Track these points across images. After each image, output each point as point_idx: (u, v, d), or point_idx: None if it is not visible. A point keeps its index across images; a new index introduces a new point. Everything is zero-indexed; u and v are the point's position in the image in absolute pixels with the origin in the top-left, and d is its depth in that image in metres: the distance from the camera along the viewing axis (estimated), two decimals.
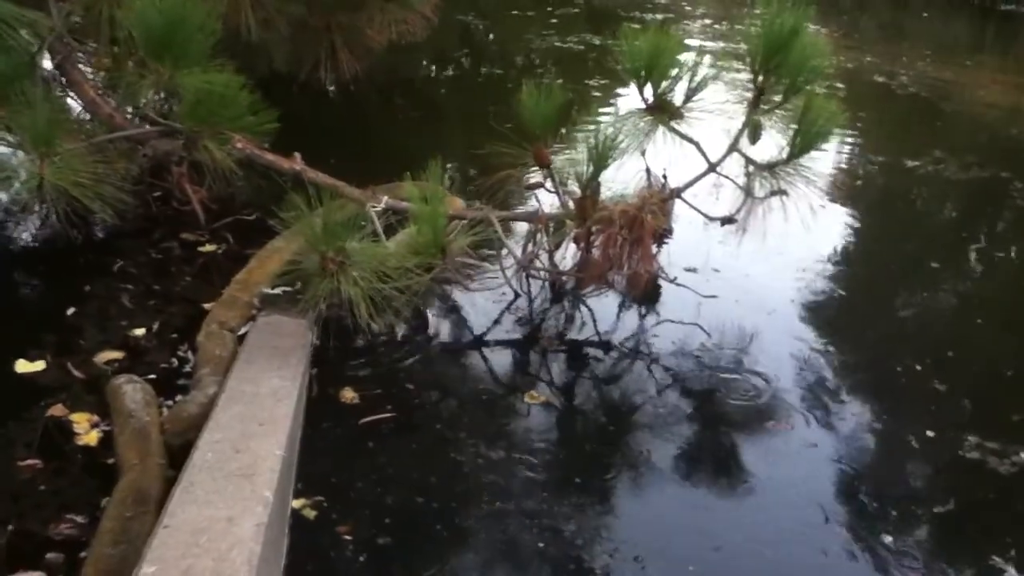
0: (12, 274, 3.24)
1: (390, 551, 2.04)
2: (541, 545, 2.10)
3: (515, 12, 8.53)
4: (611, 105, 5.58)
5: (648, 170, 3.25)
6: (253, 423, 2.00)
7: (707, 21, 8.55)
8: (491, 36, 7.40)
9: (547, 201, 3.25)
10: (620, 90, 6.11)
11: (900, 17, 9.74)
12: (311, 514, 2.09)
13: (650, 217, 2.59)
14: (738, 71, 3.15)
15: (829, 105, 2.88)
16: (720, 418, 2.64)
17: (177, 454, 2.24)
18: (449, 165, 2.76)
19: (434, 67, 6.43)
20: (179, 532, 1.57)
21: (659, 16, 8.76)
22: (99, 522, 1.99)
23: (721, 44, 7.54)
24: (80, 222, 3.13)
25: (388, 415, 2.51)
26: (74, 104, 3.45)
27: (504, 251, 3.21)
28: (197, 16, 2.83)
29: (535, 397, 2.61)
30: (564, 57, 6.84)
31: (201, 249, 3.40)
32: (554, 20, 8.07)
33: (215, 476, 1.75)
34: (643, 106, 3.06)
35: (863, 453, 2.55)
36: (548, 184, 3.19)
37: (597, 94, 6.01)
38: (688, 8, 9.28)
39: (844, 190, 4.11)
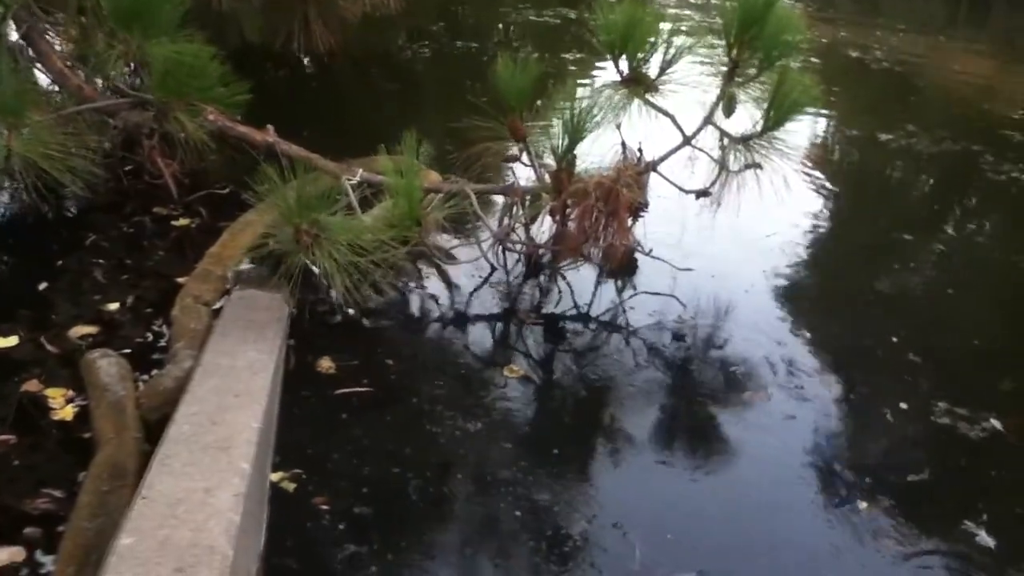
0: None
1: (368, 521, 2.05)
2: (518, 514, 2.12)
3: None
4: (588, 79, 5.56)
5: (623, 143, 3.26)
6: (229, 396, 2.00)
7: None
8: (466, 10, 7.34)
9: (523, 175, 3.26)
10: (596, 63, 6.10)
11: None
12: (290, 486, 2.09)
13: (625, 190, 2.60)
14: (713, 45, 3.14)
15: (803, 78, 2.89)
16: (697, 389, 2.66)
17: (153, 428, 2.23)
18: (425, 139, 2.73)
19: (409, 41, 6.37)
20: (156, 504, 1.57)
21: None
22: (76, 496, 1.98)
23: (697, 16, 7.53)
24: (50, 196, 3.10)
25: (365, 389, 2.51)
26: (41, 76, 3.41)
27: (480, 224, 3.21)
28: None
29: (514, 371, 2.62)
30: (540, 31, 6.82)
31: (174, 223, 3.36)
32: None
33: (192, 448, 1.75)
34: (618, 79, 3.06)
35: (838, 423, 2.58)
36: (524, 157, 3.19)
37: (573, 68, 5.99)
38: None
39: (818, 164, 4.14)
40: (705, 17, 7.28)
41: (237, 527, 1.54)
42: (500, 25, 6.90)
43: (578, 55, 6.28)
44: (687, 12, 7.92)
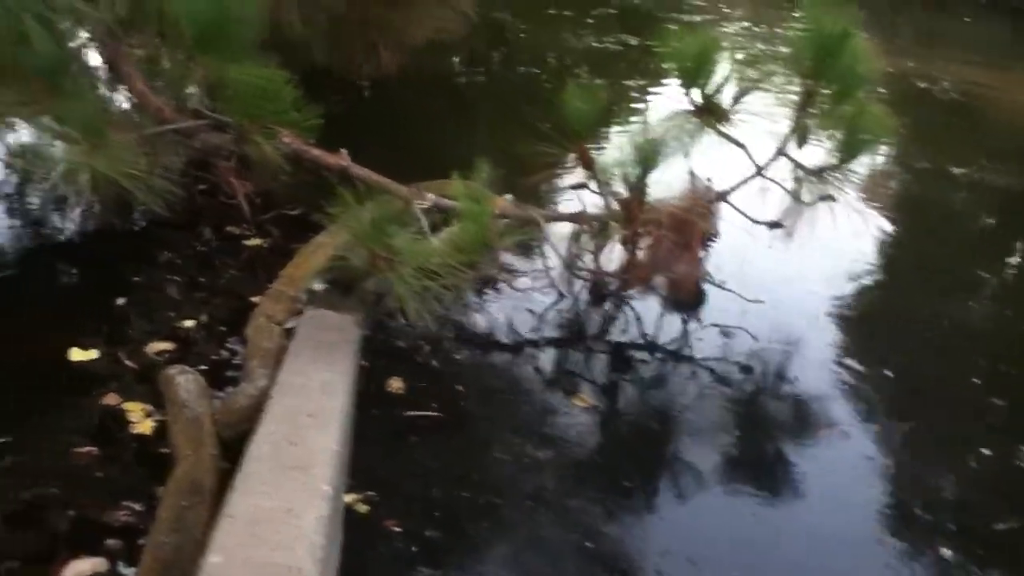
0: (61, 264, 3.28)
1: (440, 545, 2.06)
2: (590, 545, 2.11)
3: (551, 11, 8.50)
4: (648, 106, 5.56)
5: (691, 172, 3.24)
6: (305, 416, 2.02)
7: (745, 24, 8.50)
8: (526, 35, 7.39)
9: (589, 202, 3.26)
10: (658, 91, 6.10)
11: (939, 21, 9.64)
12: (363, 508, 2.10)
13: (699, 220, 2.58)
14: (781, 74, 3.13)
15: (879, 112, 2.86)
16: (768, 424, 2.63)
17: (228, 445, 2.27)
18: (488, 163, 2.75)
19: (470, 65, 6.43)
20: (241, 523, 1.59)
21: (696, 18, 8.71)
22: (155, 510, 2.02)
23: (760, 46, 7.49)
24: (123, 213, 3.18)
25: (434, 413, 2.52)
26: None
27: (547, 251, 3.21)
28: (246, 10, 2.86)
29: (583, 400, 2.61)
30: (601, 57, 6.83)
31: (246, 243, 3.42)
32: (590, 20, 8.04)
33: (272, 468, 1.77)
34: (690, 108, 3.05)
35: (917, 465, 2.52)
36: (591, 185, 3.19)
37: (635, 95, 5.99)
38: (726, 10, 9.23)
39: (889, 196, 4.07)
40: (769, 47, 7.24)
41: (321, 549, 1.55)
42: (560, 51, 6.92)
43: (640, 82, 6.29)
44: (750, 42, 7.89)
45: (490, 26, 7.00)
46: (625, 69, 6.60)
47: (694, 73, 2.92)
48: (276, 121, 2.83)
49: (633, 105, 5.65)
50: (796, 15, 8.91)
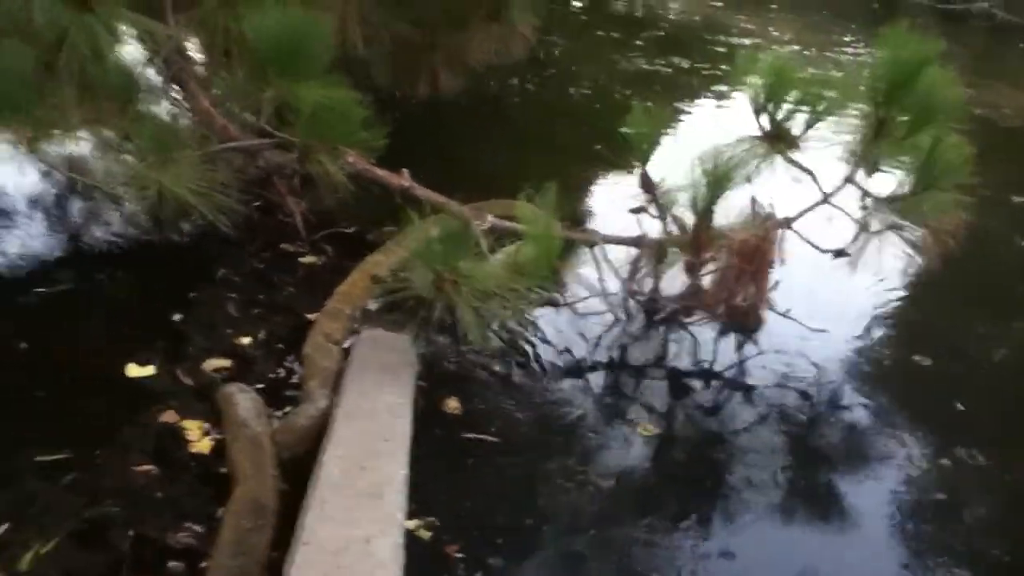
0: (118, 278, 3.28)
1: (502, 572, 2.01)
2: None
3: (600, 33, 8.49)
4: (715, 130, 5.51)
5: (753, 199, 3.18)
6: (374, 440, 1.99)
7: (795, 47, 8.42)
8: (576, 57, 7.38)
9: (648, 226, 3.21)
10: (715, 113, 6.04)
11: (995, 47, 9.49)
12: (425, 535, 2.06)
13: (771, 248, 2.52)
14: (853, 104, 3.05)
15: (958, 143, 2.78)
16: (839, 458, 2.54)
17: (287, 466, 2.24)
18: (542, 186, 2.72)
19: (523, 87, 6.42)
20: (319, 551, 1.55)
21: (745, 41, 8.64)
22: (216, 532, 1.99)
23: (810, 71, 7.39)
24: (179, 229, 3.18)
25: (493, 437, 2.48)
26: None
27: (605, 275, 3.15)
28: (320, 31, 2.87)
29: (646, 429, 2.55)
30: (652, 80, 6.79)
31: (301, 260, 3.41)
32: (639, 43, 8.01)
33: (345, 494, 1.73)
34: (758, 134, 2.99)
35: (987, 504, 2.43)
36: (651, 209, 3.14)
37: (689, 118, 5.93)
38: (776, 34, 9.14)
39: (956, 227, 3.95)
40: (819, 70, 7.14)
41: None
42: (611, 73, 6.90)
43: (693, 105, 6.23)
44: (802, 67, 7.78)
45: (542, 47, 7.00)
46: (677, 92, 6.56)
47: (766, 99, 2.85)
48: (345, 142, 2.82)
49: (688, 128, 5.59)
50: (848, 39, 8.85)
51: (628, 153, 3.04)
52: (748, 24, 9.55)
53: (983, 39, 10.45)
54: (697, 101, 6.39)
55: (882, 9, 11.39)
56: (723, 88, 6.88)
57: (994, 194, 4.65)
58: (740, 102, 6.22)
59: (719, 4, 10.88)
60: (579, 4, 9.45)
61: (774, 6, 11.22)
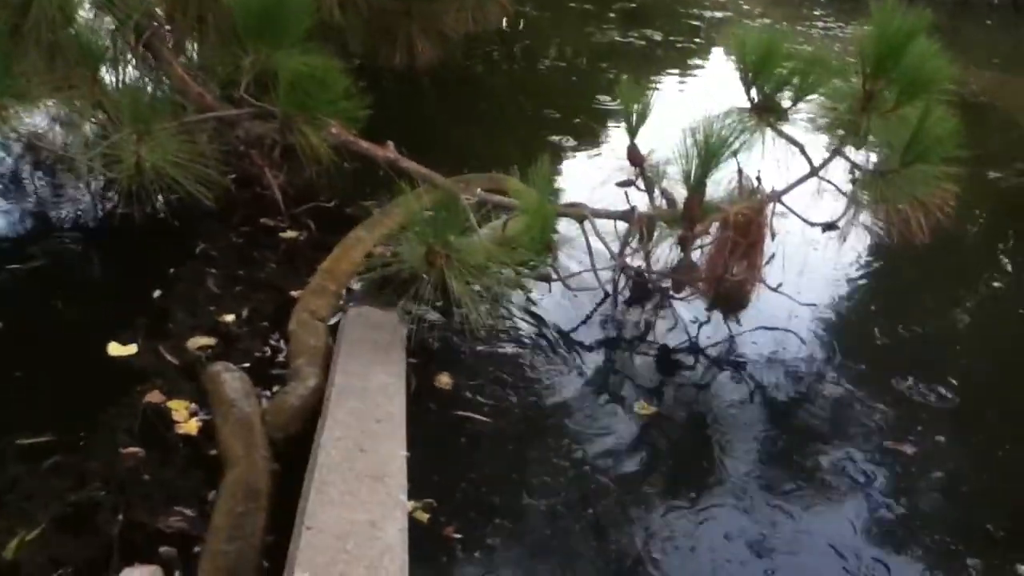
0: (94, 253, 3.19)
1: (501, 552, 1.98)
2: (658, 557, 2.03)
3: (572, 5, 8.39)
4: (681, 103, 5.48)
5: (740, 171, 3.15)
6: (370, 420, 1.94)
7: (767, 21, 8.40)
8: (549, 28, 7.29)
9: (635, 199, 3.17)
10: (688, 88, 6.01)
11: (962, 23, 9.54)
12: (423, 516, 2.02)
13: (765, 222, 2.50)
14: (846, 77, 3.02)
15: (946, 116, 2.76)
16: (845, 437, 2.53)
17: (279, 446, 2.19)
18: (547, 159, 2.66)
19: (495, 57, 6.33)
20: (324, 536, 1.51)
21: (718, 14, 8.61)
22: (208, 516, 1.94)
23: (810, 48, 7.36)
24: (160, 203, 3.08)
25: (485, 417, 2.44)
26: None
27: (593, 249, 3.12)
28: None
29: (644, 407, 2.52)
30: (626, 52, 6.73)
31: (282, 235, 3.33)
32: (612, 15, 7.93)
33: (346, 477, 1.69)
34: (747, 106, 2.96)
35: (985, 480, 2.44)
36: (639, 182, 3.10)
37: (668, 91, 5.89)
38: (746, 8, 9.12)
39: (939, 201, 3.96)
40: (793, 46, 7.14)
41: (406, 564, 1.47)
42: (585, 45, 6.83)
43: (667, 78, 6.19)
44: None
45: (515, 19, 6.91)
46: (652, 65, 6.50)
47: (755, 70, 2.82)
48: (326, 111, 2.74)
49: (666, 101, 5.54)
50: (817, 13, 8.85)
51: (607, 125, 3.02)
52: None
53: (948, 16, 10.52)
54: (672, 74, 6.34)
55: None
56: (698, 61, 6.86)
57: (972, 170, 4.69)
58: (716, 75, 6.27)
59: None
60: None
61: None
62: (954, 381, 2.82)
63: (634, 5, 8.77)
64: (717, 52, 7.16)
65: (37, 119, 3.64)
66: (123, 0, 3.03)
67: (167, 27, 3.27)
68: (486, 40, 6.26)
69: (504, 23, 6.22)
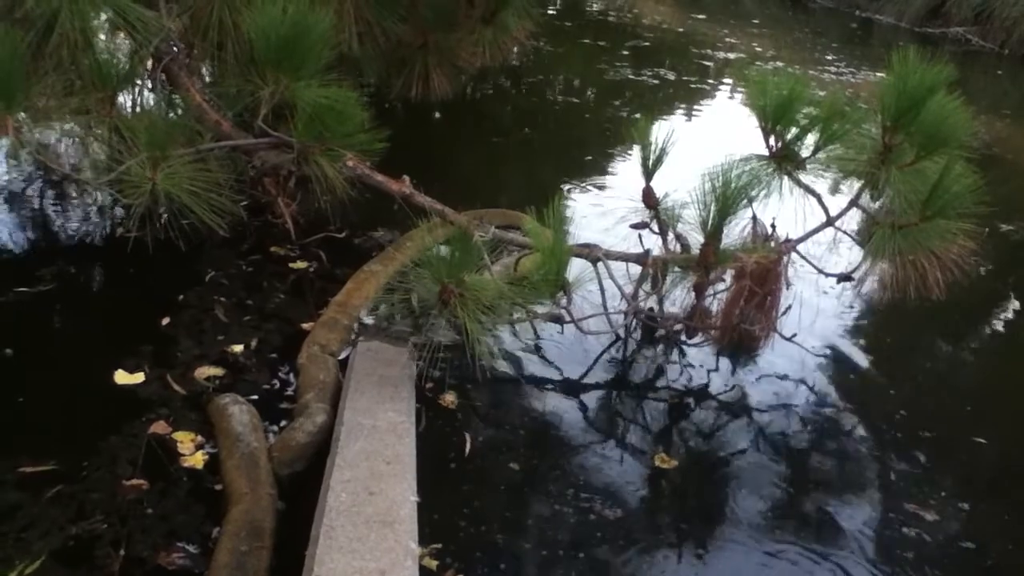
0: (103, 278, 3.17)
1: None
2: None
3: (586, 41, 8.47)
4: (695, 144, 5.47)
5: (755, 217, 3.14)
6: (379, 461, 1.90)
7: (779, 64, 8.45)
8: (564, 64, 7.34)
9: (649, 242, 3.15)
10: (700, 127, 6.03)
11: (970, 73, 9.59)
12: (432, 564, 1.97)
13: (782, 272, 2.48)
14: (861, 128, 3.01)
15: (966, 171, 2.75)
16: (860, 496, 2.49)
17: (285, 484, 2.15)
18: (561, 199, 2.64)
19: (510, 93, 6.37)
20: None
21: (731, 55, 8.66)
22: (211, 553, 1.90)
23: (822, 93, 7.40)
24: (165, 227, 3.06)
25: (491, 456, 2.40)
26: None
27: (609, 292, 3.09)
28: (320, 27, 2.78)
29: (659, 457, 2.48)
30: (639, 90, 6.76)
31: (292, 265, 3.31)
32: (625, 52, 8.00)
33: (355, 522, 1.65)
34: (765, 153, 2.95)
35: (994, 542, 2.39)
36: (653, 225, 3.08)
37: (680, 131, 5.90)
38: (759, 50, 9.16)
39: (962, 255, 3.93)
40: (832, 93, 7.16)
41: None
42: (598, 82, 6.86)
43: (680, 117, 6.21)
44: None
45: (529, 53, 6.96)
46: (665, 104, 6.53)
47: (775, 118, 2.81)
48: (343, 143, 2.73)
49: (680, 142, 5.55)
50: (829, 57, 8.89)
51: (619, 163, 2.99)
52: (731, 39, 9.58)
53: (957, 65, 10.59)
54: (686, 114, 6.36)
55: (860, 30, 11.54)
56: (710, 101, 6.89)
57: (984, 222, 4.68)
58: (728, 115, 6.29)
59: (702, 16, 10.93)
60: (555, 10, 9.46)
61: (756, 21, 11.29)
62: (972, 438, 2.78)
63: (647, 44, 8.85)
64: (729, 92, 7.20)
65: (51, 138, 3.66)
66: (143, 24, 3.03)
67: (186, 53, 3.27)
68: (500, 74, 6.31)
69: (518, 58, 6.27)
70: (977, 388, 3.20)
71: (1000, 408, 3.06)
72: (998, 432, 2.86)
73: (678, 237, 3.05)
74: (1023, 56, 10.01)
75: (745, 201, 2.74)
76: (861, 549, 2.26)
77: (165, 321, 2.83)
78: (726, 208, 2.66)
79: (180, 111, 3.30)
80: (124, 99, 2.99)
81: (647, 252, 2.96)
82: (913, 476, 2.58)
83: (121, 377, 2.49)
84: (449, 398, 2.58)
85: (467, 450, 2.41)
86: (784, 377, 2.99)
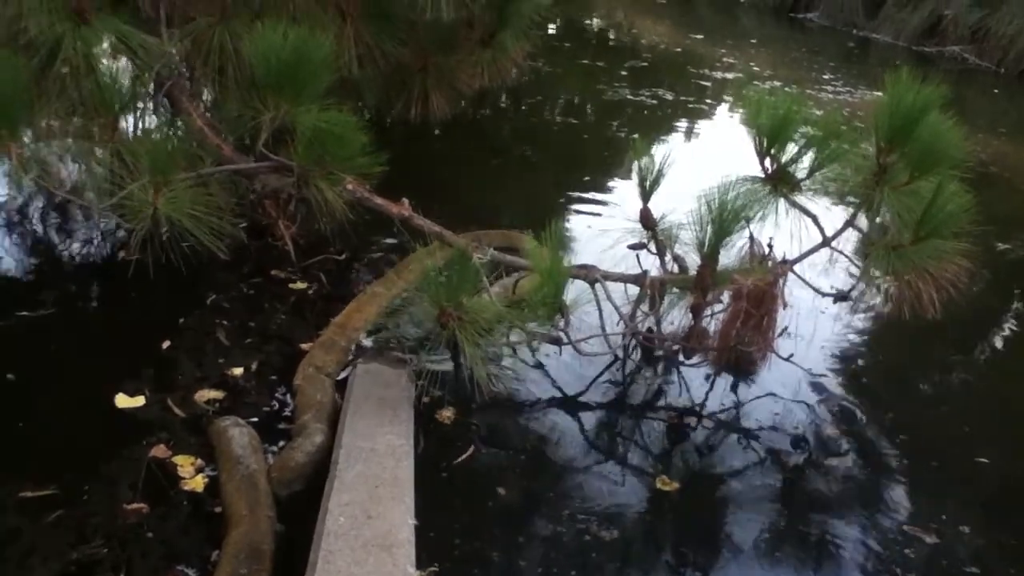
0: (104, 301, 3.19)
1: None
2: None
3: (585, 62, 8.52)
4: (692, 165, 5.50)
5: (752, 238, 3.16)
6: (378, 485, 1.91)
7: (776, 83, 8.50)
8: (563, 84, 7.38)
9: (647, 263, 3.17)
10: (698, 147, 6.06)
11: (966, 92, 9.65)
12: None
13: (780, 293, 2.49)
14: (858, 148, 3.03)
15: (960, 191, 2.77)
16: (859, 516, 2.49)
17: (284, 504, 2.16)
18: (558, 222, 2.66)
19: (509, 113, 6.41)
20: None
21: (728, 75, 8.71)
22: None
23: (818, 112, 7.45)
24: (166, 250, 3.09)
25: (489, 478, 2.41)
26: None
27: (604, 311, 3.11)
28: (321, 52, 2.80)
29: (657, 477, 2.49)
30: (638, 111, 6.80)
31: (292, 286, 3.33)
32: (624, 72, 8.04)
33: (353, 546, 1.66)
34: (761, 175, 2.97)
35: (996, 566, 2.39)
36: (651, 246, 3.10)
37: (678, 152, 5.94)
38: (756, 69, 9.22)
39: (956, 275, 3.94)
40: (829, 112, 7.20)
41: None
42: (597, 102, 6.90)
43: (678, 138, 6.25)
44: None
45: (527, 74, 7.00)
46: (663, 124, 6.56)
47: (770, 139, 2.84)
48: (343, 167, 2.76)
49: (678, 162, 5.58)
50: (827, 76, 8.95)
51: (616, 182, 3.00)
52: (729, 58, 9.63)
53: (954, 83, 10.64)
54: (684, 134, 6.40)
55: (858, 49, 11.60)
56: (709, 121, 6.92)
57: (980, 241, 4.70)
58: (726, 135, 6.32)
59: (700, 36, 10.99)
60: (555, 31, 9.52)
61: (753, 40, 11.36)
62: (973, 459, 2.79)
63: (645, 64, 8.89)
64: (727, 111, 7.25)
65: (52, 160, 3.68)
66: (145, 50, 3.07)
67: (187, 77, 3.30)
68: (499, 95, 6.35)
69: (517, 79, 6.31)
70: (977, 408, 3.20)
71: (1001, 428, 3.06)
72: (999, 452, 2.86)
73: (675, 258, 3.07)
74: (1020, 74, 10.06)
75: (742, 223, 2.77)
76: (862, 572, 2.26)
77: (166, 344, 2.84)
78: (723, 230, 2.68)
79: (181, 134, 3.33)
80: (126, 123, 3.02)
81: (645, 273, 2.98)
82: (913, 498, 2.59)
83: (122, 401, 2.51)
84: (446, 413, 2.60)
85: (465, 469, 2.42)
86: (782, 397, 3.00)
